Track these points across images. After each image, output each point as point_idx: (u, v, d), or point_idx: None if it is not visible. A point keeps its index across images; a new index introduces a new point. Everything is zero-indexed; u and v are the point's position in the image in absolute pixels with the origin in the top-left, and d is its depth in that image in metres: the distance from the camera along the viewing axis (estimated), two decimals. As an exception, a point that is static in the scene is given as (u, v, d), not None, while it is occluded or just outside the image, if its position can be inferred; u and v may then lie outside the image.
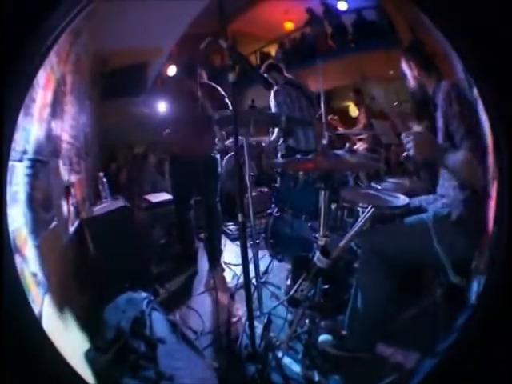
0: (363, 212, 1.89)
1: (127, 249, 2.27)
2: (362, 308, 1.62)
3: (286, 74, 3.25)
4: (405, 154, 1.63)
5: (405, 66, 1.68)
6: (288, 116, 2.83)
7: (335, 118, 3.35)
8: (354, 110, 4.31)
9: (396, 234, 1.61)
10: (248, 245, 1.73)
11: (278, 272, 2.55)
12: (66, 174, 2.24)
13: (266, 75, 3.13)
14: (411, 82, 1.68)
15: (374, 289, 1.60)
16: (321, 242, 1.66)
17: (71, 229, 2.16)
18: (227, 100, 2.60)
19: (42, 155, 1.71)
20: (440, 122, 1.51)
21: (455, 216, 1.46)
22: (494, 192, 1.30)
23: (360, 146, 3.26)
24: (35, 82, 1.53)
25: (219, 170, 2.93)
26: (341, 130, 3.27)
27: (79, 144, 2.74)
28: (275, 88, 3.10)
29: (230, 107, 2.46)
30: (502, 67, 1.02)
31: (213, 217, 2.84)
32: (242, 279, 1.89)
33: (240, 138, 1.82)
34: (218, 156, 2.86)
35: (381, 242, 1.60)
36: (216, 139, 2.81)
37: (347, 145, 2.22)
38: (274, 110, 3.06)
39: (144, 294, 1.88)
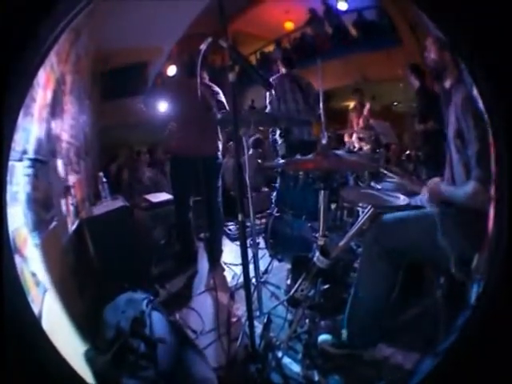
0: (363, 212, 1.89)
1: (127, 249, 2.27)
2: (363, 303, 1.61)
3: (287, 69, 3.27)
4: (407, 152, 1.63)
5: (432, 42, 1.59)
6: (288, 115, 2.86)
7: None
8: (354, 110, 4.31)
9: (400, 224, 1.60)
10: (248, 245, 1.73)
11: (278, 272, 2.54)
12: (65, 173, 2.24)
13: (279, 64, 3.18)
14: (433, 56, 1.58)
15: (375, 282, 1.59)
16: (320, 242, 1.66)
17: (71, 229, 2.16)
18: (225, 103, 2.61)
19: (42, 155, 1.71)
20: (455, 127, 1.48)
21: (454, 215, 1.46)
22: (494, 192, 1.30)
23: (364, 146, 3.27)
24: (35, 82, 1.54)
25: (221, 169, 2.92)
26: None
27: (79, 143, 2.75)
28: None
29: (227, 108, 2.48)
30: (502, 67, 1.02)
31: (214, 217, 2.84)
32: (241, 279, 1.89)
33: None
34: (220, 155, 2.85)
35: (383, 234, 1.59)
36: (219, 139, 2.81)
37: (347, 145, 2.22)
38: (267, 99, 3.11)
39: (144, 294, 1.88)
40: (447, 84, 1.57)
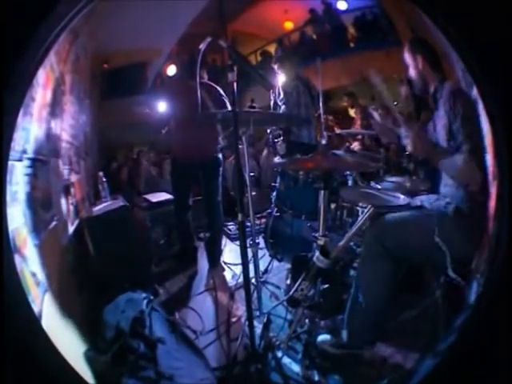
0: (363, 212, 1.89)
1: (127, 248, 2.27)
2: (363, 302, 1.61)
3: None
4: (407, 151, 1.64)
5: (408, 57, 1.65)
6: (287, 115, 2.84)
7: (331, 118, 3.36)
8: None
9: (399, 225, 1.60)
10: (248, 244, 1.73)
11: (278, 272, 2.55)
12: (65, 173, 2.23)
13: (277, 65, 3.12)
14: (412, 74, 1.65)
15: (375, 282, 1.58)
16: (320, 242, 1.66)
17: (71, 228, 2.16)
18: (226, 101, 2.60)
19: (42, 155, 1.71)
20: (444, 121, 1.51)
21: (457, 215, 1.46)
22: (494, 191, 1.30)
23: (355, 147, 3.26)
24: (35, 82, 1.53)
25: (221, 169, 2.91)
26: (337, 130, 3.27)
27: (79, 143, 2.74)
28: (283, 80, 3.09)
29: (229, 107, 2.47)
30: (502, 67, 1.02)
31: (214, 217, 2.83)
32: (241, 279, 1.90)
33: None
34: (220, 155, 2.85)
35: (384, 233, 1.59)
36: (219, 138, 2.80)
37: (346, 145, 2.22)
38: (279, 101, 3.06)
39: (144, 294, 1.88)
40: (431, 89, 1.61)
